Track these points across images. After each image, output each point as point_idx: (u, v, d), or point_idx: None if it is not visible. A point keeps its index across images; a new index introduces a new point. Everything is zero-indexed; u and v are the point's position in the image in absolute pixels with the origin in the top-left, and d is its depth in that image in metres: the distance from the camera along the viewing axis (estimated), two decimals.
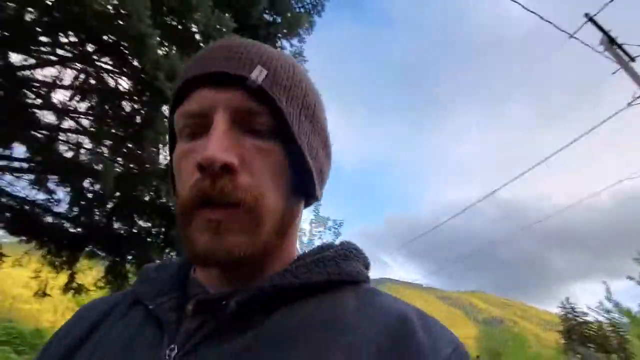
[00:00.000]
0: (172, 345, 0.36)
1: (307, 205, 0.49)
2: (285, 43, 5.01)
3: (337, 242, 0.48)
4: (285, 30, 4.93)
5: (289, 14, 4.58)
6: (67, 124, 5.16)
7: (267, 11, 4.51)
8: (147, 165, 4.60)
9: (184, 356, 0.35)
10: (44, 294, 5.37)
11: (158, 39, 2.55)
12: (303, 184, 0.43)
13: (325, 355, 0.33)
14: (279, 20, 4.62)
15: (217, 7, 3.20)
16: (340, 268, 0.41)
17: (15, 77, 4.05)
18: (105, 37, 3.35)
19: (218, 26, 2.94)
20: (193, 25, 2.96)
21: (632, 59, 8.21)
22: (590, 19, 8.42)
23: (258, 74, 0.38)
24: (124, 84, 4.66)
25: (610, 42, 8.26)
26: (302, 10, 4.98)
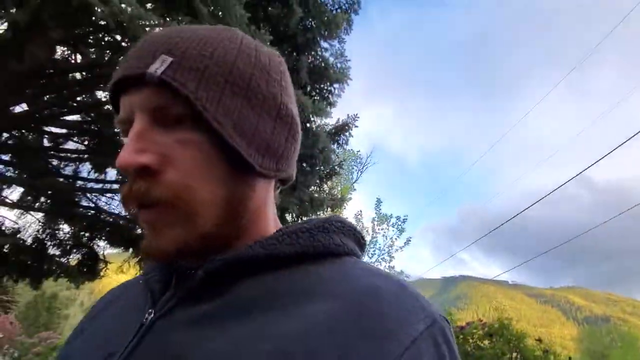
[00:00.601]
0: (151, 310, 0.40)
1: (282, 181, 0.49)
2: (324, 45, 5.13)
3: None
4: (323, 33, 5.03)
5: (325, 17, 4.67)
6: None
7: (303, 19, 4.65)
8: None
9: (159, 318, 0.39)
10: None
11: None
12: (247, 167, 0.41)
13: (280, 323, 0.33)
14: (315, 24, 4.73)
15: (255, 22, 3.41)
16: (316, 240, 0.41)
17: (102, 112, 4.80)
18: None
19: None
20: None
21: None
22: None
23: (158, 66, 0.37)
24: None
25: None
26: (338, 10, 5.03)
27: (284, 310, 0.35)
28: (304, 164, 4.80)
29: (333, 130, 5.46)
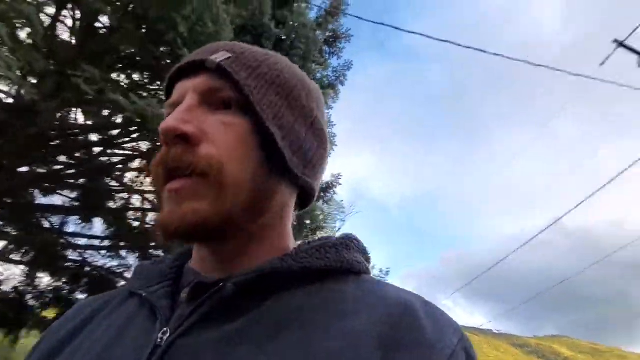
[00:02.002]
0: (165, 329, 0.36)
1: (304, 197, 0.49)
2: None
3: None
4: None
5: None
6: (135, 197, 6.08)
7: None
8: None
9: (177, 339, 0.35)
10: None
11: None
12: (279, 161, 0.42)
13: (321, 340, 0.32)
14: None
15: None
16: (342, 256, 0.41)
17: (95, 165, 5.02)
18: None
19: None
20: None
21: None
22: (621, 44, 8.30)
23: (218, 56, 0.41)
24: None
25: None
26: (327, 82, 5.63)
27: (321, 327, 0.34)
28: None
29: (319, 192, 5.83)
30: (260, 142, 0.41)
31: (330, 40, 5.67)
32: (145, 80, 3.94)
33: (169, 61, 3.19)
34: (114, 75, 3.20)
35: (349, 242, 0.44)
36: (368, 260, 0.46)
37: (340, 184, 6.25)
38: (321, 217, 6.16)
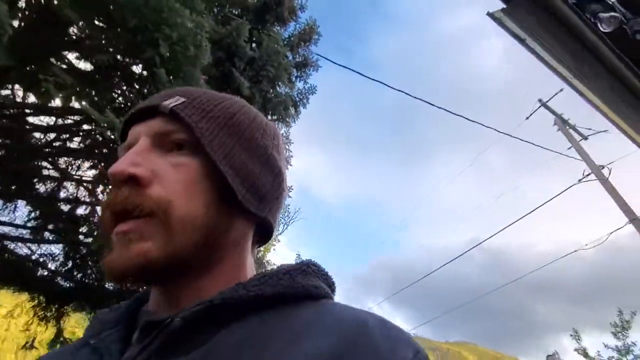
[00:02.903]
0: None
1: (263, 231, 0.50)
2: (286, 128, 5.95)
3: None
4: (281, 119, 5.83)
5: (276, 116, 5.48)
6: (68, 180, 5.73)
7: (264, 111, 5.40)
8: None
9: None
10: (32, 346, 5.60)
11: None
12: (231, 199, 0.43)
13: None
14: (275, 113, 5.51)
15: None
16: (296, 282, 0.41)
17: (29, 145, 4.70)
18: None
19: None
20: None
21: (585, 138, 9.48)
22: (543, 104, 9.78)
23: (172, 101, 0.43)
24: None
25: (563, 122, 9.57)
26: (291, 102, 5.92)
27: (276, 353, 0.33)
28: None
29: None
30: (212, 182, 0.42)
31: (300, 64, 5.98)
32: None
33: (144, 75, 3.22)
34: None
35: (306, 268, 0.44)
36: (330, 285, 0.46)
37: (290, 197, 6.59)
38: None
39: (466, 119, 5.48)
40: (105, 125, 2.59)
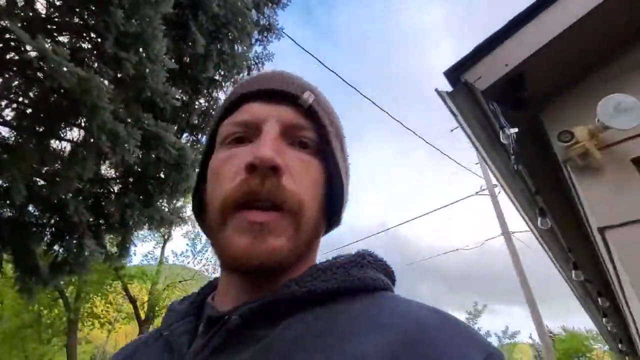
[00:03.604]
0: None
1: (327, 230, 0.49)
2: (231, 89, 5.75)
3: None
4: (226, 75, 5.64)
5: (235, 71, 5.31)
6: None
7: (218, 70, 5.17)
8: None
9: None
10: None
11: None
12: (331, 205, 0.44)
13: None
14: (223, 66, 5.30)
15: (173, 77, 3.77)
16: (351, 275, 0.39)
17: None
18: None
19: (166, 93, 3.60)
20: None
21: None
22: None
23: (308, 96, 0.43)
24: None
25: None
26: (246, 65, 5.75)
27: (331, 350, 0.32)
28: (170, 186, 5.12)
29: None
30: (326, 186, 0.43)
31: (264, 28, 5.78)
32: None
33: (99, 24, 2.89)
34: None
35: (361, 260, 0.42)
36: (390, 274, 0.44)
37: None
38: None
39: (390, 115, 6.03)
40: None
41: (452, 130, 11.26)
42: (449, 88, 1.58)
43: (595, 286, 2.83)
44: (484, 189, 10.30)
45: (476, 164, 10.93)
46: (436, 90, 1.69)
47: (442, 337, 0.32)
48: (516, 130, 1.36)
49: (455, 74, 1.50)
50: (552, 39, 1.36)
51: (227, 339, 0.37)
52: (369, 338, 0.32)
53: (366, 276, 0.41)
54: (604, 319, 3.23)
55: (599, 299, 2.91)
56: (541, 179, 1.87)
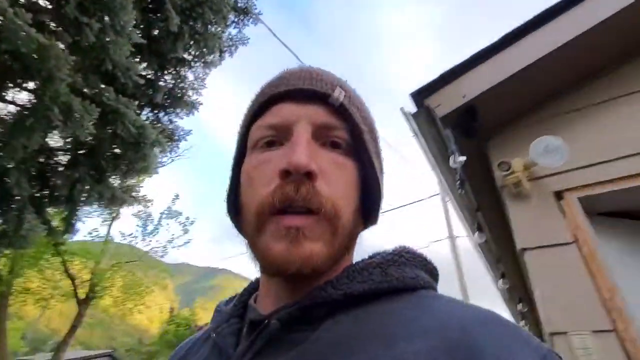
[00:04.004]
0: None
1: (363, 228, 0.47)
2: (200, 70, 5.57)
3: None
4: (196, 53, 5.45)
5: (207, 52, 5.15)
6: None
7: (189, 50, 4.97)
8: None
9: None
10: None
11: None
12: (367, 205, 0.43)
13: None
14: (198, 53, 5.12)
15: (139, 51, 3.59)
16: (389, 275, 0.38)
17: None
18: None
19: (129, 68, 3.43)
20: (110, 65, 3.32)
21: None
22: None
23: (339, 94, 0.41)
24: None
25: None
26: (218, 46, 5.58)
27: (373, 354, 0.31)
28: (126, 164, 4.90)
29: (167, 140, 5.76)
30: (360, 187, 0.42)
31: (241, 10, 5.63)
32: None
33: None
34: None
35: (398, 258, 0.41)
36: (431, 271, 0.43)
37: (187, 138, 6.37)
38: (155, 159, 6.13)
39: None
40: None
41: (413, 136, 11.73)
42: (414, 107, 1.73)
43: (518, 293, 3.21)
44: (437, 194, 10.90)
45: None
46: (401, 109, 1.83)
47: (489, 341, 0.30)
48: (464, 158, 1.53)
49: (419, 97, 1.64)
50: (504, 79, 1.54)
51: (268, 342, 0.37)
52: (410, 343, 0.31)
53: (405, 275, 0.39)
54: (522, 322, 3.66)
55: (520, 305, 3.31)
56: (483, 198, 2.10)
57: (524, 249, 1.44)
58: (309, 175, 0.37)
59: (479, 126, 1.59)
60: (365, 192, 0.43)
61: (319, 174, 0.38)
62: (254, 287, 0.50)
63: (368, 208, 0.44)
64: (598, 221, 1.46)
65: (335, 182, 0.39)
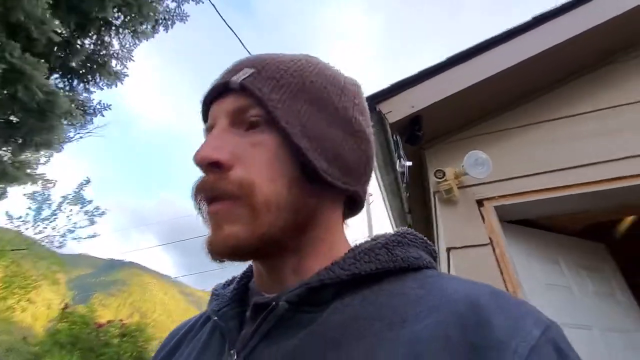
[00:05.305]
0: (232, 350, 0.38)
1: (351, 203, 0.47)
2: (129, 39, 4.97)
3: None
4: (126, 20, 4.89)
5: (139, 20, 4.64)
6: None
7: (118, 13, 4.43)
8: None
9: (243, 359, 0.36)
10: None
11: None
12: (316, 174, 0.40)
13: (384, 351, 0.30)
14: (128, 19, 4.58)
15: (55, 4, 3.06)
16: (394, 255, 0.39)
17: None
18: None
19: (43, 23, 2.92)
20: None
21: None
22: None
23: (240, 75, 0.41)
24: None
25: None
26: (155, 18, 5.08)
27: (383, 336, 0.32)
28: (24, 134, 4.16)
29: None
30: (293, 158, 0.40)
31: None
32: None
33: None
34: None
35: (402, 239, 0.42)
36: (431, 252, 0.44)
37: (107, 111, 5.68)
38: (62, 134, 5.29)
39: None
40: None
41: None
42: None
43: None
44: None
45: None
46: None
47: (497, 312, 0.31)
48: (410, 163, 1.67)
49: (372, 102, 1.73)
50: (446, 97, 1.72)
51: (276, 324, 0.37)
52: (420, 322, 0.32)
53: (409, 255, 0.40)
54: None
55: None
56: (414, 201, 2.30)
57: (450, 249, 1.63)
58: (218, 165, 0.38)
59: (422, 135, 1.74)
60: (303, 157, 0.40)
61: (234, 161, 0.39)
62: (251, 269, 0.50)
63: (313, 171, 0.40)
64: (508, 227, 1.73)
65: (251, 162, 0.39)
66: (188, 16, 5.74)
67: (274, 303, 0.37)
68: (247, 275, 0.49)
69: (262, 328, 0.37)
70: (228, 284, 0.49)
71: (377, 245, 0.40)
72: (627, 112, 1.74)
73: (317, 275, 0.38)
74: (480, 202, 1.71)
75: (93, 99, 5.35)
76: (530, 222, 1.90)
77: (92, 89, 5.17)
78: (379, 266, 0.38)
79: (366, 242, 0.43)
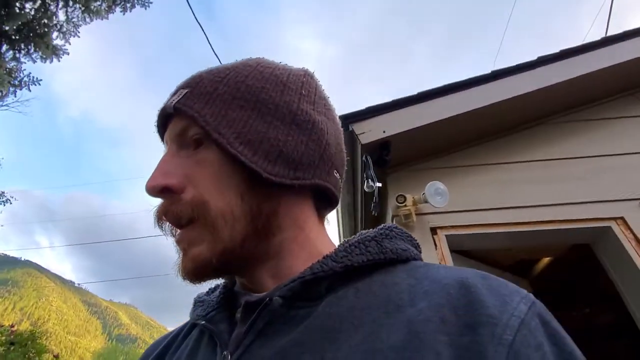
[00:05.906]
0: (225, 352, 0.36)
1: (320, 195, 0.45)
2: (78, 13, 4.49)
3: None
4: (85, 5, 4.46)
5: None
6: None
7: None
8: None
9: (239, 358, 0.35)
10: None
11: None
12: (262, 176, 0.39)
13: (383, 338, 0.31)
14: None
15: None
16: (383, 247, 0.40)
17: None
18: None
19: None
20: None
21: None
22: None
23: (175, 98, 0.42)
24: None
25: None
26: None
27: (379, 324, 0.32)
28: None
29: None
30: (236, 166, 0.39)
31: None
32: None
33: None
34: None
35: (389, 232, 0.43)
36: (416, 246, 0.45)
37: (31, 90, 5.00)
38: None
39: None
40: None
41: None
42: None
43: None
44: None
45: None
46: None
47: (487, 292, 0.32)
48: (380, 184, 1.72)
49: (345, 121, 1.78)
50: (414, 128, 1.83)
51: (270, 321, 0.36)
52: (414, 307, 0.33)
53: (398, 247, 0.41)
54: None
55: None
56: (369, 223, 2.37)
57: None
58: (169, 190, 0.39)
59: (389, 160, 1.82)
60: (245, 165, 0.39)
61: (185, 183, 0.39)
62: (233, 280, 0.49)
63: (259, 175, 0.39)
64: (455, 256, 1.85)
65: (200, 181, 0.39)
66: (151, 2, 5.44)
67: (267, 299, 0.37)
68: (233, 282, 0.48)
69: (257, 325, 0.36)
70: (212, 290, 0.48)
71: (366, 238, 0.41)
72: (556, 166, 2.01)
73: (310, 269, 0.37)
74: (434, 230, 1.82)
75: (24, 70, 4.72)
76: (470, 253, 2.06)
77: (22, 59, 4.56)
78: (370, 258, 0.39)
79: (354, 237, 0.43)
